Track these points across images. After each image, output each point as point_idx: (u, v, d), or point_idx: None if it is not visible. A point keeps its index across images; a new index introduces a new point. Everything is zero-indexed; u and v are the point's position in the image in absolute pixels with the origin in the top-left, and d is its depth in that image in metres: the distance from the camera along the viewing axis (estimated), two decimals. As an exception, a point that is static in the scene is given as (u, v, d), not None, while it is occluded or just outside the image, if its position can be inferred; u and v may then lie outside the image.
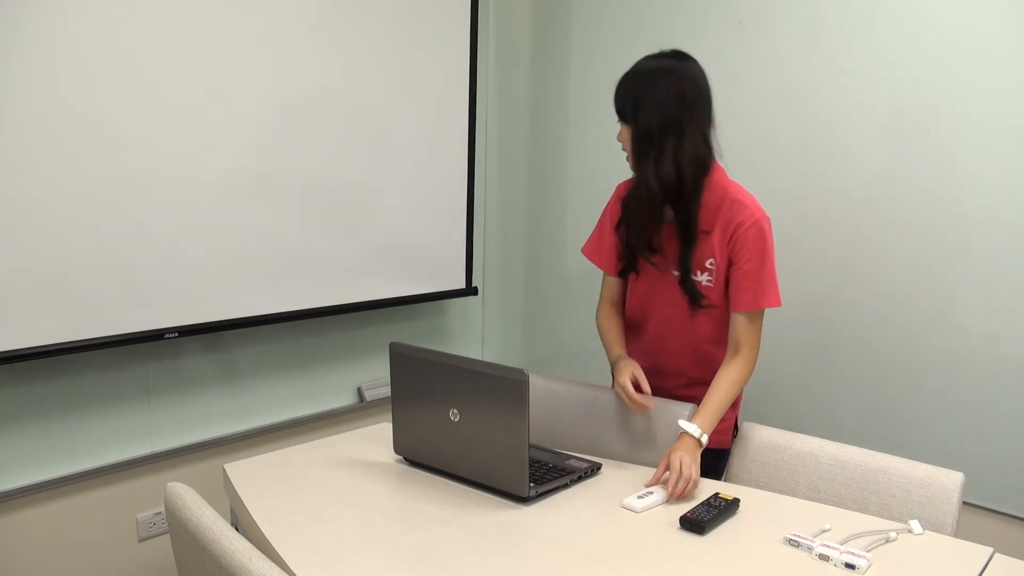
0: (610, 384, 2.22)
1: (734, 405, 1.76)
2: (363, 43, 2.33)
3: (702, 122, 1.59)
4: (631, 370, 1.66)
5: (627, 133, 1.61)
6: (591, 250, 1.85)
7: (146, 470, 2.16)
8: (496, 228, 3.02)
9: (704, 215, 1.60)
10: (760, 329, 1.63)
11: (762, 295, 1.59)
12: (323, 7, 2.22)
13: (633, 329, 1.83)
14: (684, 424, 1.54)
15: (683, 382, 1.76)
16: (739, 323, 1.62)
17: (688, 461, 1.46)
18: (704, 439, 1.53)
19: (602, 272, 1.85)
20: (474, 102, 2.66)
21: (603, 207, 1.84)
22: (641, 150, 1.59)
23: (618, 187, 1.81)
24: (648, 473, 1.57)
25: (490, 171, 2.98)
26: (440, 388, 1.48)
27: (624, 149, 1.65)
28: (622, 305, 1.85)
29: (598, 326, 1.85)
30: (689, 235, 1.61)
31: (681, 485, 1.44)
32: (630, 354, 1.77)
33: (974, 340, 1.95)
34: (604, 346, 1.82)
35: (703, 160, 1.59)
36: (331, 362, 2.55)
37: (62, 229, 1.84)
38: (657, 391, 1.69)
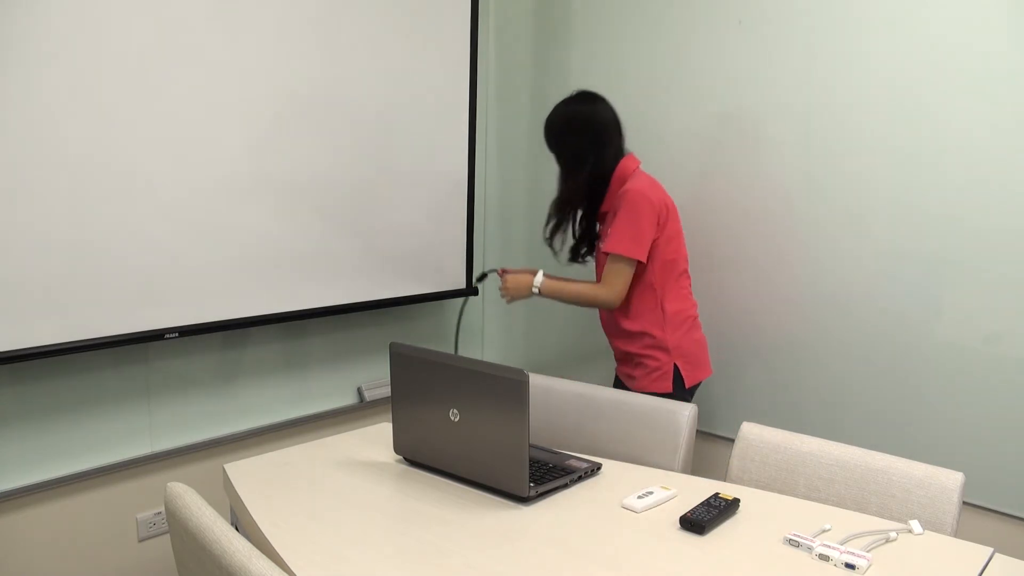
0: (611, 384, 2.24)
1: (667, 352, 2.07)
2: (363, 44, 2.33)
3: (598, 148, 2.07)
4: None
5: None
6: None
7: (146, 470, 2.16)
8: (496, 228, 3.02)
9: (607, 200, 2.09)
10: (621, 274, 2.02)
11: (616, 241, 2.00)
12: (323, 7, 2.22)
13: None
14: (537, 276, 2.13)
15: (619, 358, 2.20)
16: (605, 263, 2.05)
17: (511, 282, 2.14)
18: (538, 284, 2.11)
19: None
20: (474, 102, 2.66)
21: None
22: (563, 175, 2.14)
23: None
24: (648, 473, 1.58)
25: (490, 171, 2.98)
26: (440, 388, 1.48)
27: None
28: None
29: None
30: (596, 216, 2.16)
31: (502, 290, 2.15)
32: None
33: (974, 340, 1.95)
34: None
35: (603, 173, 2.08)
36: (331, 362, 2.55)
37: (62, 229, 1.84)
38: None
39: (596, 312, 2.40)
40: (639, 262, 2.02)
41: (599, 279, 2.10)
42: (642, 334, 2.07)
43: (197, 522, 1.12)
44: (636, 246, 1.99)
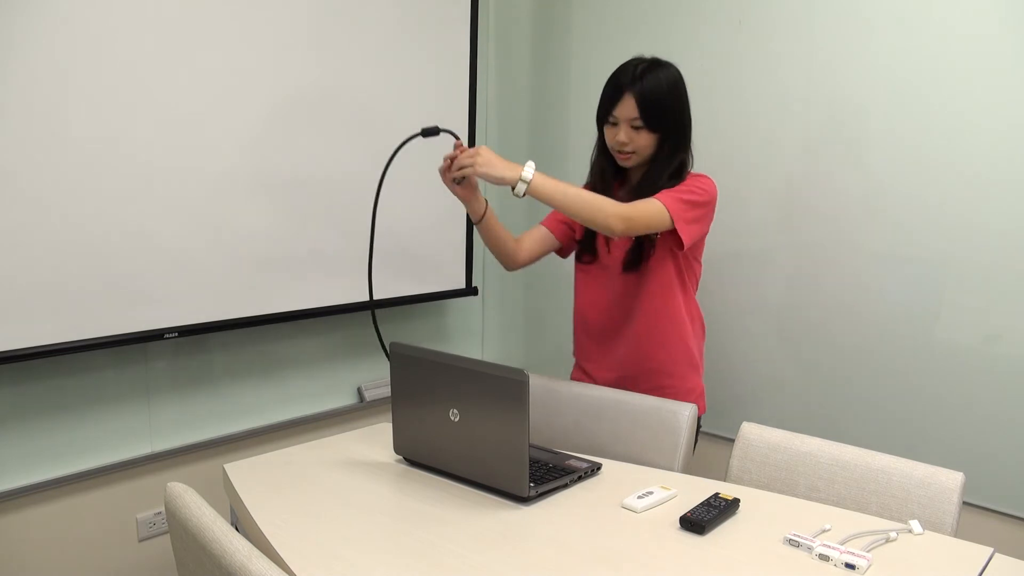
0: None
1: (698, 373, 1.88)
2: (363, 42, 2.33)
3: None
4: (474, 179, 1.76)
5: (648, 139, 1.75)
6: (547, 217, 1.98)
7: (146, 470, 2.16)
8: (496, 228, 3.01)
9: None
10: (650, 213, 1.67)
11: (671, 199, 1.68)
12: (323, 7, 2.22)
13: (603, 337, 1.91)
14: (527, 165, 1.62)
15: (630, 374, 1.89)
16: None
17: (487, 155, 1.60)
18: (526, 178, 1.60)
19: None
20: (474, 102, 2.66)
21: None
22: (663, 155, 1.77)
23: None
24: (648, 473, 1.58)
25: (490, 171, 2.98)
26: (440, 388, 1.48)
27: (626, 148, 1.77)
28: (528, 250, 1.94)
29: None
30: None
31: (465, 157, 1.61)
32: (597, 366, 1.93)
33: (974, 340, 1.95)
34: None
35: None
36: (331, 362, 2.54)
37: (62, 229, 1.84)
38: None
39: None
40: (679, 247, 1.73)
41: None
42: (675, 341, 1.83)
43: (197, 522, 1.12)
44: (687, 224, 1.69)
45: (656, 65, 1.74)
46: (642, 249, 1.79)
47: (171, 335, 2.05)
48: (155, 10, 1.91)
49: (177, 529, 1.21)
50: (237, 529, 1.17)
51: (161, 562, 2.22)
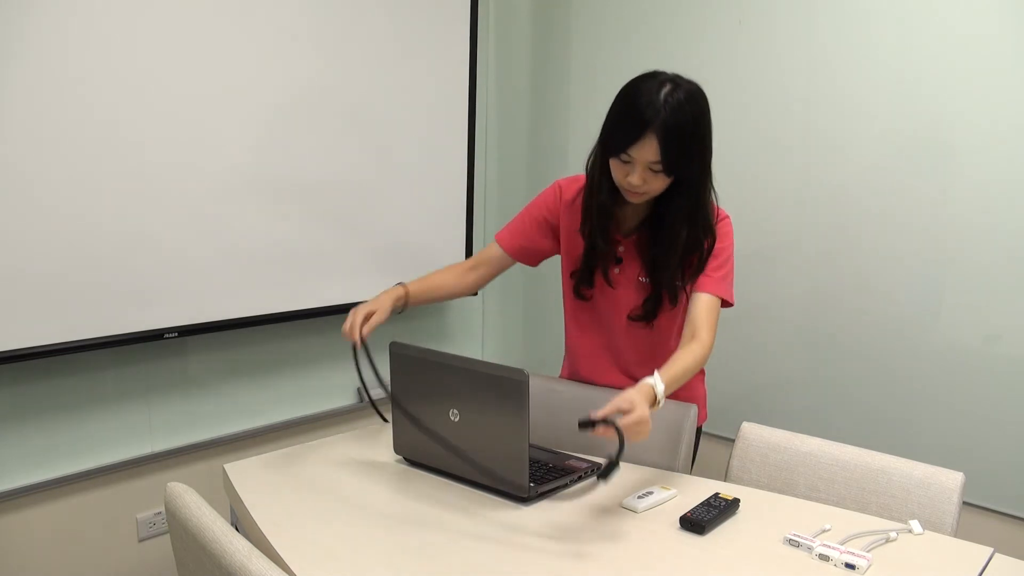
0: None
1: (700, 378, 1.77)
2: (363, 43, 2.33)
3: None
4: (376, 305, 1.65)
5: (665, 181, 1.49)
6: (507, 233, 1.78)
7: (146, 470, 2.16)
8: (496, 228, 3.01)
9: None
10: (713, 322, 1.56)
11: (727, 284, 1.59)
12: (323, 7, 2.22)
13: (602, 356, 1.77)
14: (648, 379, 1.39)
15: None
16: (692, 305, 1.57)
17: (639, 400, 1.30)
18: (661, 393, 1.38)
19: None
20: (474, 102, 2.66)
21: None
22: (682, 201, 1.53)
23: (559, 186, 1.70)
24: (648, 473, 1.57)
25: (490, 171, 2.98)
26: (440, 388, 1.48)
27: (640, 190, 1.50)
28: (480, 280, 1.82)
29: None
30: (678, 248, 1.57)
31: (630, 420, 1.26)
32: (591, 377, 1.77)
33: (974, 340, 1.95)
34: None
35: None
36: (331, 362, 2.54)
37: (62, 229, 1.84)
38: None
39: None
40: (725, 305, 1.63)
41: (644, 315, 1.63)
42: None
43: (197, 522, 1.12)
44: (731, 287, 1.61)
45: (682, 92, 1.45)
46: (660, 303, 1.62)
47: (171, 335, 2.05)
48: (156, 11, 1.91)
49: (177, 529, 1.21)
50: (237, 529, 1.17)
51: (161, 562, 2.22)
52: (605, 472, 1.26)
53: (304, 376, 2.48)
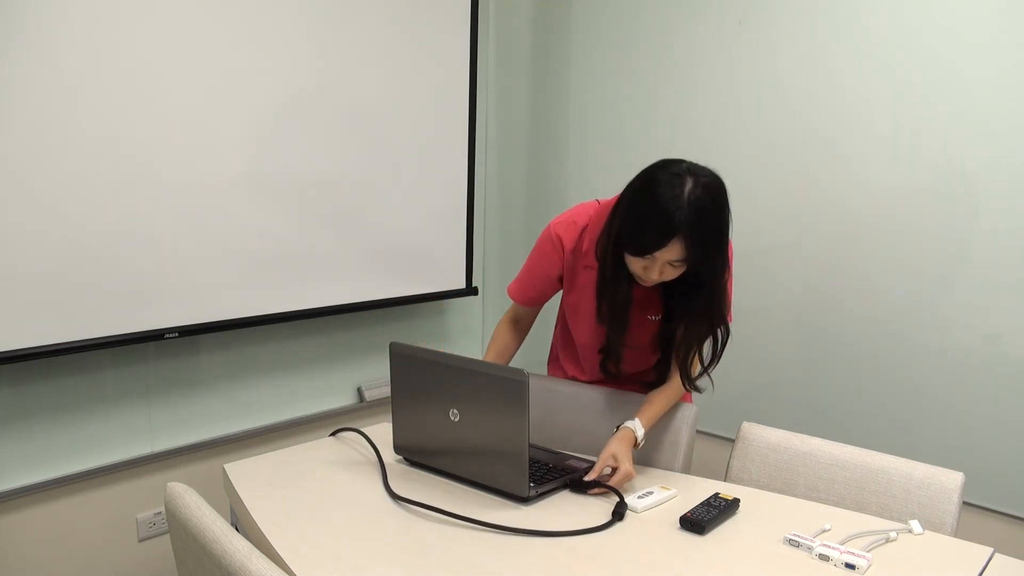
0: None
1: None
2: (363, 43, 2.33)
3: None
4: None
5: (680, 271, 1.46)
6: (518, 293, 1.81)
7: (146, 470, 2.16)
8: (496, 228, 3.01)
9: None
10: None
11: (728, 308, 1.59)
12: (324, 7, 2.22)
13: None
14: (629, 423, 1.54)
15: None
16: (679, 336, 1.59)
17: (623, 454, 1.47)
18: (642, 436, 1.53)
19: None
20: (474, 102, 2.66)
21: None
22: (703, 297, 1.52)
23: (557, 237, 1.68)
24: (648, 473, 1.57)
25: (490, 171, 2.98)
26: (440, 388, 1.48)
27: (654, 278, 1.48)
28: (526, 327, 1.92)
29: (494, 334, 1.87)
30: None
31: (619, 479, 1.44)
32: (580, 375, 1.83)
33: (974, 340, 1.95)
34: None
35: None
36: (331, 362, 2.54)
37: (62, 229, 1.84)
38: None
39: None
40: None
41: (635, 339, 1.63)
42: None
43: (197, 522, 1.12)
44: (730, 308, 1.61)
45: (705, 189, 1.39)
46: (672, 335, 1.62)
47: (171, 335, 2.05)
48: (156, 11, 1.91)
49: (177, 529, 1.21)
50: (237, 529, 1.17)
51: (161, 562, 2.22)
52: (618, 512, 1.38)
53: (304, 376, 2.48)
